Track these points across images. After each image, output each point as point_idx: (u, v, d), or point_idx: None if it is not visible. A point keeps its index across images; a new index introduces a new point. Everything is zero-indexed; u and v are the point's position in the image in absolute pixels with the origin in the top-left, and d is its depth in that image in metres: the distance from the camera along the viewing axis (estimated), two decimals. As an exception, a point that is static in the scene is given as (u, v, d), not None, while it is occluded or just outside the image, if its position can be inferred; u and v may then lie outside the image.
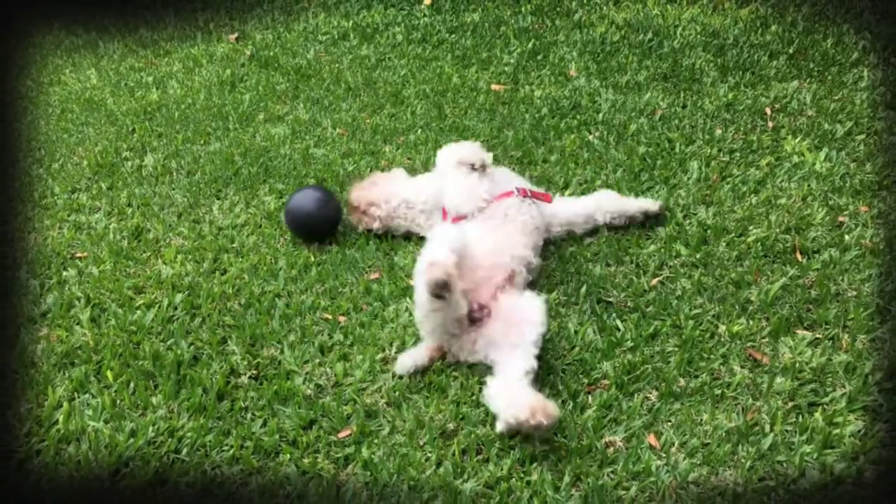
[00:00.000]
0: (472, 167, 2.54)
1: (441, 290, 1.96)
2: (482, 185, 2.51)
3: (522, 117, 3.63)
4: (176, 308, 2.41)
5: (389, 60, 4.57)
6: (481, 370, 2.08)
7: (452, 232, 2.17)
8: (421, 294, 2.03)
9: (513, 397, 1.83)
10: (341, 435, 1.91)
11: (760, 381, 1.98)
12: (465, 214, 2.48)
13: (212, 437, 1.91)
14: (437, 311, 2.04)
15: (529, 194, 2.56)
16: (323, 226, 2.73)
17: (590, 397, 1.99)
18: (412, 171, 3.17)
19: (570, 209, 2.65)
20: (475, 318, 2.13)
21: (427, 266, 1.97)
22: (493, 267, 2.24)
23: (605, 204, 2.64)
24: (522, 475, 1.77)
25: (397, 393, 2.02)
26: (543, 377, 2.05)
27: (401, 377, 2.08)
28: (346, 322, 2.32)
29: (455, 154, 2.60)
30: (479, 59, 4.43)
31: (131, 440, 1.89)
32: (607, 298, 2.34)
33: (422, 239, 2.71)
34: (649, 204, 2.65)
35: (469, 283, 2.15)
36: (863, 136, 3.13)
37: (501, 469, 1.78)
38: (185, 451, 1.88)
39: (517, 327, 2.05)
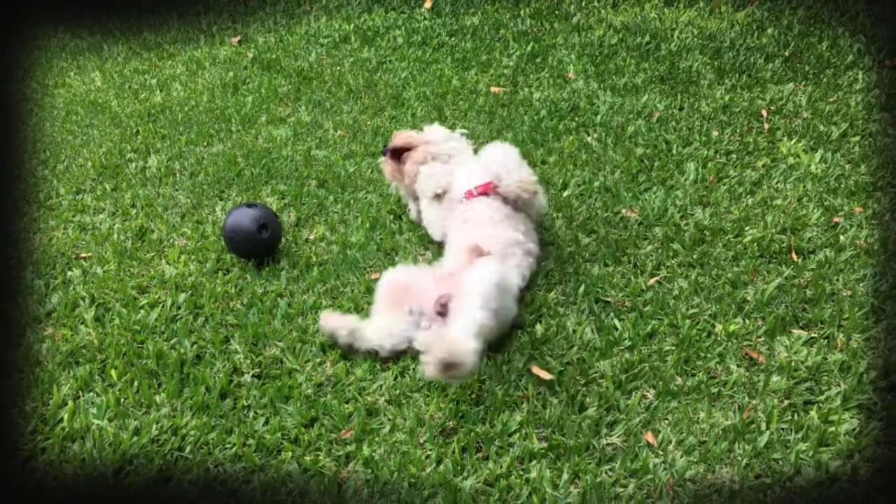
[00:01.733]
0: (500, 193, 2.46)
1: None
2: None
3: (521, 119, 3.65)
4: (179, 308, 2.44)
5: (390, 63, 4.59)
6: (480, 370, 2.11)
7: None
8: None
9: (438, 338, 1.81)
10: (343, 433, 1.93)
11: (756, 380, 2.00)
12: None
13: (214, 435, 1.93)
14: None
15: (476, 193, 2.49)
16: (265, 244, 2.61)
17: (588, 396, 2.01)
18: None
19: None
20: (442, 314, 2.15)
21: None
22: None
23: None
24: (521, 472, 1.79)
25: (397, 391, 2.05)
26: (542, 376, 2.07)
27: (401, 375, 2.10)
28: (347, 322, 2.34)
29: (512, 156, 2.49)
30: (478, 61, 4.46)
31: (135, 438, 1.91)
32: (605, 298, 2.36)
33: (420, 234, 2.74)
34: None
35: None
36: (857, 138, 3.15)
37: (501, 466, 1.80)
38: (188, 448, 1.90)
39: (463, 297, 1.98)
